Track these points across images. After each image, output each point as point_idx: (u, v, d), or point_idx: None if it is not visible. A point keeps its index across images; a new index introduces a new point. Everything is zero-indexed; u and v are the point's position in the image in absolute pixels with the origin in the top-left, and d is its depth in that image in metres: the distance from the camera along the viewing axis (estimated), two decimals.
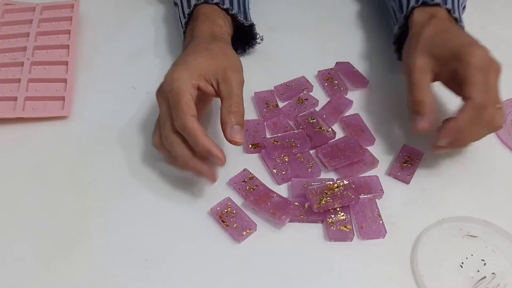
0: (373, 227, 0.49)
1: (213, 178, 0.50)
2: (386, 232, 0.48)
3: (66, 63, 0.63)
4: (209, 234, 0.49)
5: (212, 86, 0.51)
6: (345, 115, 0.60)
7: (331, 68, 0.65)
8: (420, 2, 0.59)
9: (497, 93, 0.50)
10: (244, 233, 0.48)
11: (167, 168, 0.54)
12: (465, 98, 0.49)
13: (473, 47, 0.50)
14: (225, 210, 0.50)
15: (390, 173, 0.54)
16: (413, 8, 0.59)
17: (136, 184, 0.52)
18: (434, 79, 0.53)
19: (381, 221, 0.49)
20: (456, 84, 0.51)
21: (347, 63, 0.65)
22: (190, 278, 0.46)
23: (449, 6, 0.58)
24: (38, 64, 0.63)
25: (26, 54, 0.64)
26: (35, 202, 0.51)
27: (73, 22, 0.68)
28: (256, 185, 0.51)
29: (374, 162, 0.54)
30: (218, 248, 0.48)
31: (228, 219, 0.49)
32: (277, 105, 0.60)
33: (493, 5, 0.78)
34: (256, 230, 0.49)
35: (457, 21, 0.59)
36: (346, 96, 0.62)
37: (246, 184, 0.52)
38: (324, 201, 0.49)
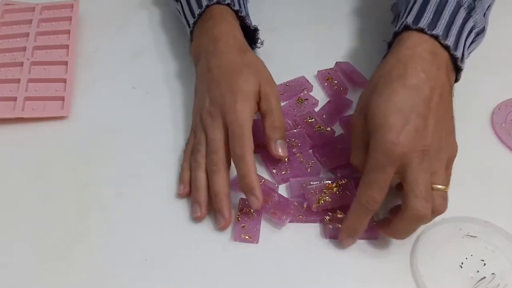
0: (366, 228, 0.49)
1: (227, 223, 0.48)
2: (378, 233, 0.48)
3: (66, 63, 0.63)
4: (209, 234, 0.49)
5: (257, 104, 0.52)
6: (345, 115, 0.60)
7: (331, 68, 0.65)
8: (403, 26, 0.50)
9: (428, 187, 0.43)
10: (245, 237, 0.48)
11: (167, 168, 0.54)
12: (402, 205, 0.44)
13: (377, 142, 0.43)
14: (248, 209, 0.49)
15: None
16: (405, 27, 0.50)
17: (136, 184, 0.52)
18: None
19: (374, 223, 0.49)
20: None
21: (347, 63, 0.65)
22: (190, 278, 0.46)
23: (449, 42, 0.49)
24: (37, 64, 0.63)
25: (26, 54, 0.63)
26: (34, 202, 0.51)
27: (73, 22, 0.68)
28: (262, 181, 0.51)
29: None
30: (218, 248, 0.48)
31: (243, 216, 0.49)
32: None
33: (493, 5, 0.78)
34: (256, 243, 0.48)
35: (457, 60, 0.50)
36: (346, 96, 0.62)
37: None
38: (323, 200, 0.49)
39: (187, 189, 0.51)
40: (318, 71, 0.64)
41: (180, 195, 0.51)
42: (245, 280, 0.46)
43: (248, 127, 0.49)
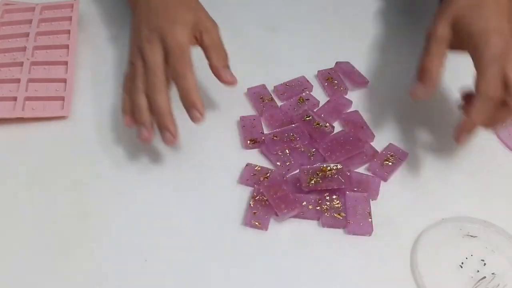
0: (360, 224, 0.49)
1: (175, 138, 0.50)
2: (372, 230, 0.49)
3: (66, 63, 0.63)
4: (208, 234, 0.49)
5: (196, 37, 0.54)
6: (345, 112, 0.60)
7: (331, 68, 0.65)
8: None
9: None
10: (255, 223, 0.49)
11: (167, 168, 0.54)
12: (476, 90, 0.48)
13: (490, 36, 0.48)
14: (262, 197, 0.50)
15: (369, 168, 0.54)
16: None
17: (136, 184, 0.52)
18: (451, 48, 0.52)
19: (370, 219, 0.49)
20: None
21: (347, 63, 0.65)
22: (190, 277, 0.46)
23: None
24: (37, 64, 0.63)
25: (26, 54, 0.63)
26: (34, 202, 0.51)
27: (72, 22, 0.68)
28: (268, 172, 0.52)
29: (375, 154, 0.55)
30: (217, 248, 0.48)
31: (256, 203, 0.50)
32: (272, 99, 0.60)
33: None
34: (266, 230, 0.49)
35: None
36: (345, 96, 0.62)
37: (257, 175, 0.52)
38: (314, 181, 0.50)
39: (132, 118, 0.52)
40: (318, 71, 0.64)
41: (126, 125, 0.52)
42: (245, 280, 0.46)
43: (188, 49, 0.51)
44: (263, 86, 0.62)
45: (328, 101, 0.61)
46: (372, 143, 0.57)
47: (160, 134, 0.50)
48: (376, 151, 0.55)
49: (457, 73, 0.56)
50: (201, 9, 0.56)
